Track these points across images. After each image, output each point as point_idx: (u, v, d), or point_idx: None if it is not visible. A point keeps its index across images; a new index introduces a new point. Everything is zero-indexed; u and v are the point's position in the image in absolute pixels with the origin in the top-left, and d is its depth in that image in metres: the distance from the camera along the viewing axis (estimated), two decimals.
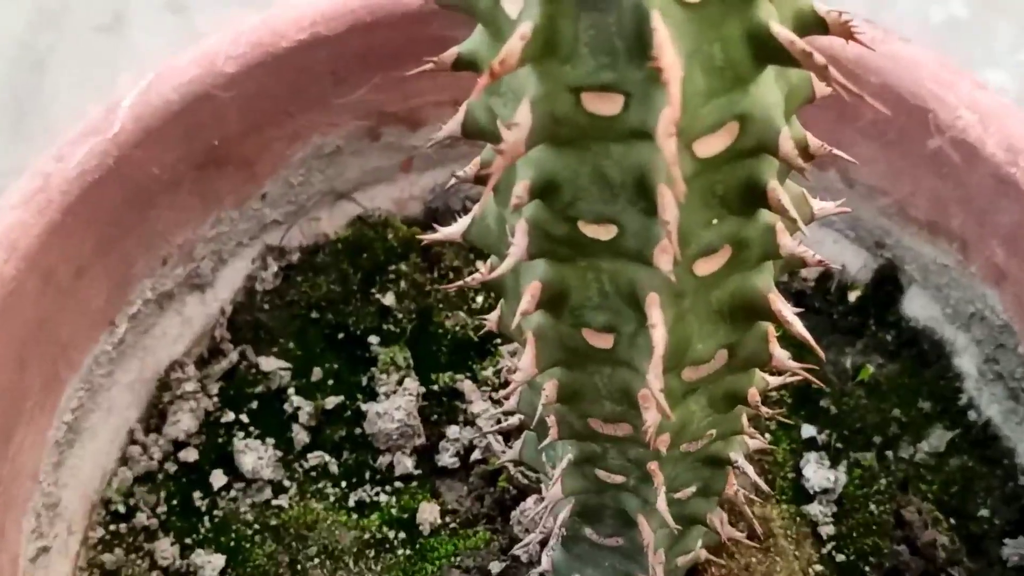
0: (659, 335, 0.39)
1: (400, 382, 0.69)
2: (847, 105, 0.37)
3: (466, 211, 0.49)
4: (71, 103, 0.94)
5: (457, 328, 0.70)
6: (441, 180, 0.68)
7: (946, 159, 0.57)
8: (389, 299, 0.71)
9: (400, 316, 0.70)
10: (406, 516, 0.66)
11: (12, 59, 0.95)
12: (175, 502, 0.67)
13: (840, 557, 0.63)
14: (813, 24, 0.39)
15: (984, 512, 0.64)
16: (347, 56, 0.61)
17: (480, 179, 0.42)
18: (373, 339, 0.71)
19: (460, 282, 0.48)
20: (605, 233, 0.40)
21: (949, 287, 0.62)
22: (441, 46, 0.46)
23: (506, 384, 0.62)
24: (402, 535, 0.65)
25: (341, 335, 0.71)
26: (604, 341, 0.43)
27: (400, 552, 0.64)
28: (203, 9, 0.95)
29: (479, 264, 0.50)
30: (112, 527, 0.65)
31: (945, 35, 0.93)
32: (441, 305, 0.70)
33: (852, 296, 0.67)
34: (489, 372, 0.70)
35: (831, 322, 0.68)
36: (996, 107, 0.57)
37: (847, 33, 0.39)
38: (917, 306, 0.64)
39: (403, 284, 0.70)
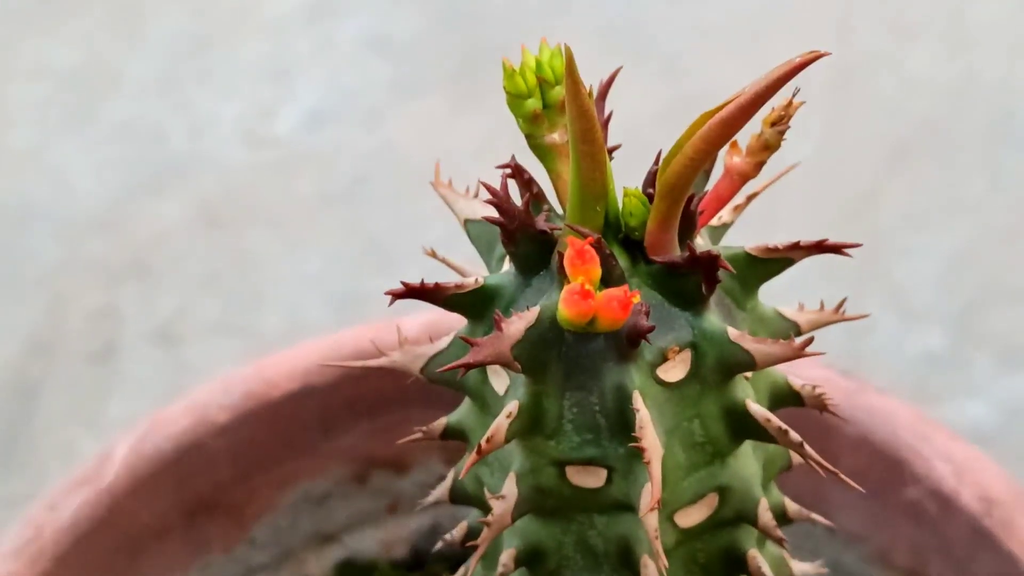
0: None
1: None
2: (826, 454, 0.38)
3: (452, 562, 0.49)
4: (62, 432, 0.94)
5: None
6: (427, 524, 0.68)
7: (923, 509, 0.58)
8: None
9: None
10: None
11: (4, 386, 0.96)
12: None
13: None
14: (788, 398, 0.40)
15: None
16: (337, 405, 0.62)
17: (468, 544, 0.43)
18: None
19: None
20: None
21: None
22: (428, 397, 0.47)
23: None
24: None
25: None
26: None
27: None
28: (193, 342, 0.97)
29: None
30: None
31: (922, 367, 0.95)
32: None
33: None
34: None
35: None
36: (970, 458, 0.58)
37: (821, 405, 0.40)
38: None
39: None
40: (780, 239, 0.38)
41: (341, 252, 1.02)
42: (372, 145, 1.08)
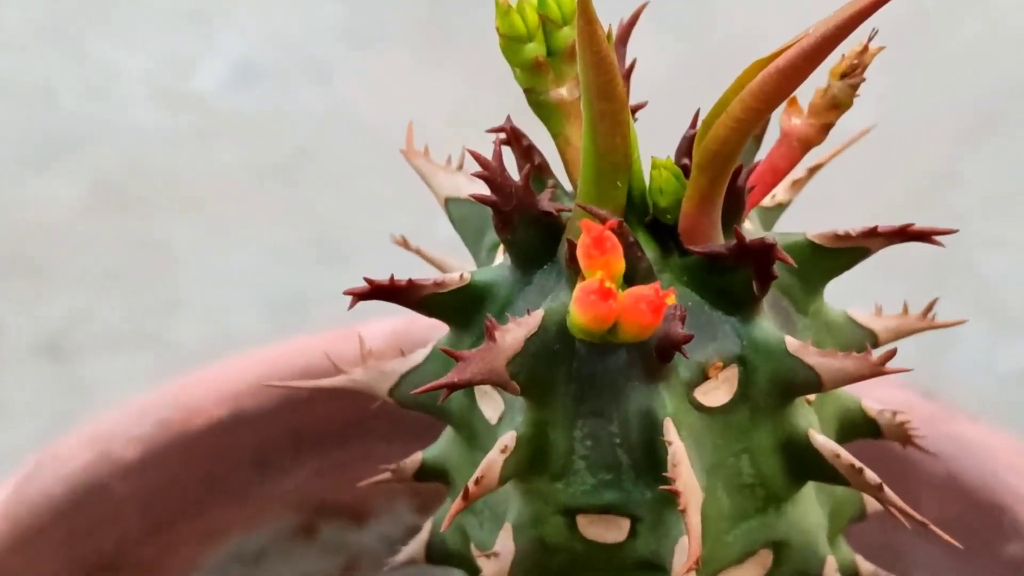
0: None
1: None
2: (905, 498, 0.38)
3: None
4: None
5: None
6: None
7: None
8: None
9: None
10: None
11: None
12: None
13: None
14: (862, 427, 0.40)
15: None
16: (276, 436, 0.62)
17: None
18: None
19: None
20: None
21: None
22: (396, 424, 0.46)
23: None
24: None
25: None
26: None
27: None
28: (91, 356, 0.96)
29: None
30: None
31: (1019, 387, 0.94)
32: None
33: None
34: None
35: None
36: None
37: (904, 437, 0.40)
38: None
39: None
40: (845, 225, 0.38)
41: (280, 242, 1.01)
42: (319, 108, 1.08)
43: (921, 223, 0.37)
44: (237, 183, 1.04)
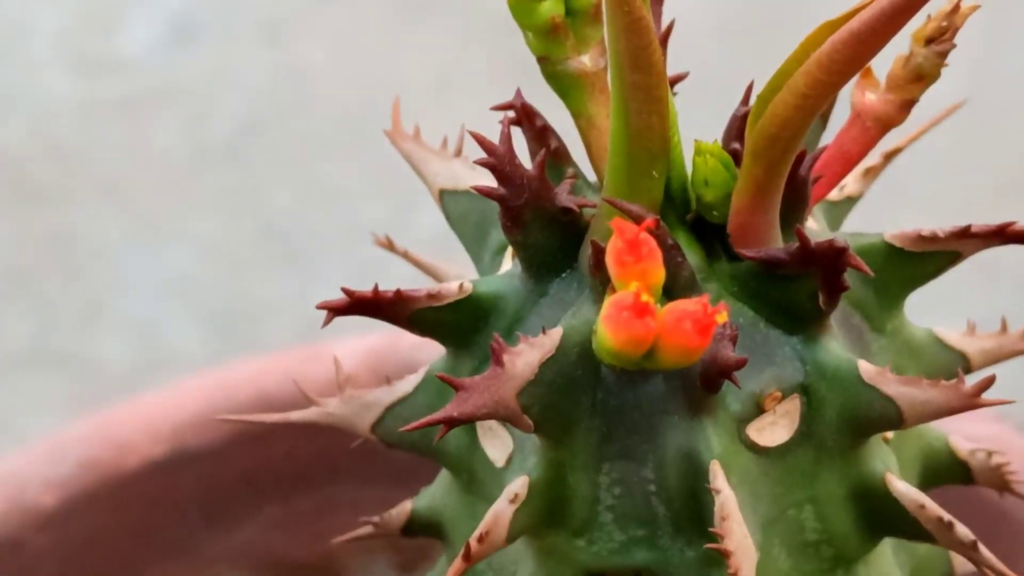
0: None
1: None
2: (1002, 556, 0.38)
3: None
4: None
5: None
6: None
7: None
8: None
9: None
10: None
11: None
12: None
13: None
14: (950, 471, 0.40)
15: None
16: (227, 479, 0.61)
17: None
18: None
19: None
20: None
21: None
22: (372, 466, 0.46)
23: None
24: None
25: None
26: None
27: None
28: (27, 370, 0.96)
29: None
30: None
31: None
32: None
33: None
34: None
35: None
36: None
37: (1001, 483, 0.40)
38: None
39: None
40: (930, 224, 0.38)
41: (222, 238, 1.01)
42: (268, 73, 1.08)
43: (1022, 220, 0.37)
44: (170, 165, 1.04)
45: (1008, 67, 1.03)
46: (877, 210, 0.43)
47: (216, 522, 0.62)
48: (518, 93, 0.38)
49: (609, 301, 0.32)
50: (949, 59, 0.37)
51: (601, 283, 0.33)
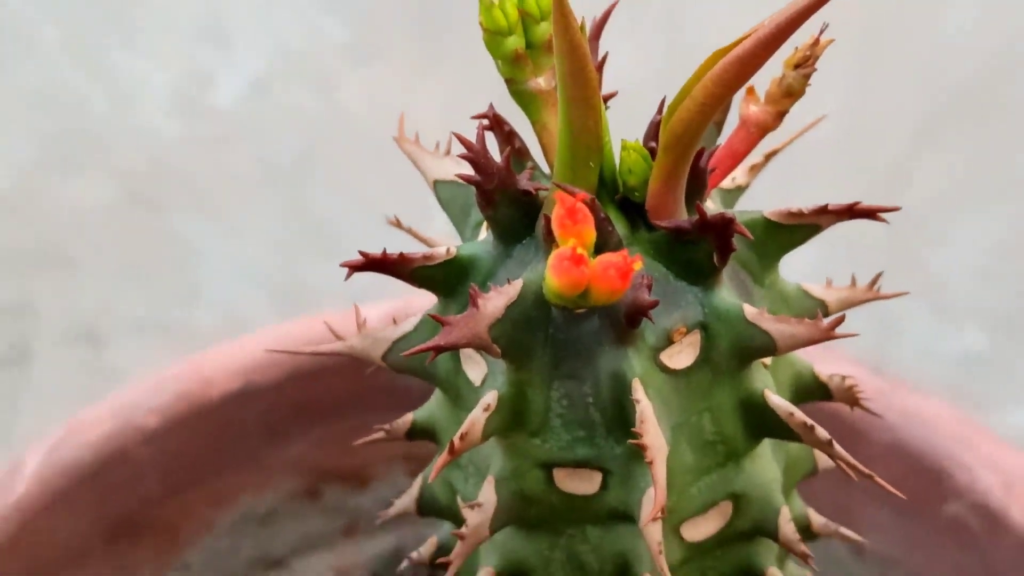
0: None
1: None
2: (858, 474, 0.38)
3: None
4: None
5: None
6: (390, 547, 0.67)
7: (965, 527, 0.57)
8: None
9: None
10: None
11: None
12: None
13: None
14: (814, 390, 0.39)
15: None
16: (284, 407, 0.61)
17: (438, 564, 0.41)
18: None
19: None
20: None
21: None
22: (392, 397, 0.46)
23: None
24: None
25: None
26: None
27: None
28: (118, 342, 0.96)
29: None
30: None
31: (961, 370, 0.94)
32: None
33: None
34: None
35: None
36: (1021, 468, 0.57)
37: (852, 400, 0.39)
38: None
39: None
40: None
41: (285, 237, 1.01)
42: (322, 116, 1.07)
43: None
44: (249, 184, 1.04)
45: (875, 97, 1.02)
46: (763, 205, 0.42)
47: (275, 440, 0.62)
48: (491, 107, 0.37)
49: (554, 254, 0.31)
50: (824, 90, 0.37)
51: (550, 245, 0.33)
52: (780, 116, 0.37)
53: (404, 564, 0.44)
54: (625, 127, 0.39)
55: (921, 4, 1.10)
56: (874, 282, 0.39)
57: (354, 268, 0.36)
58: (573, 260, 0.31)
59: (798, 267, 0.40)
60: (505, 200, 0.36)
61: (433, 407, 0.40)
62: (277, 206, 1.03)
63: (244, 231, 1.02)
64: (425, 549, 0.43)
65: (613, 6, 0.38)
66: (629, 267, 0.31)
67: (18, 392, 0.96)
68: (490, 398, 0.35)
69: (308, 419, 0.62)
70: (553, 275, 0.31)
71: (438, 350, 0.33)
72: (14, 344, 0.98)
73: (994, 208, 1.01)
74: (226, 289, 0.99)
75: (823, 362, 0.41)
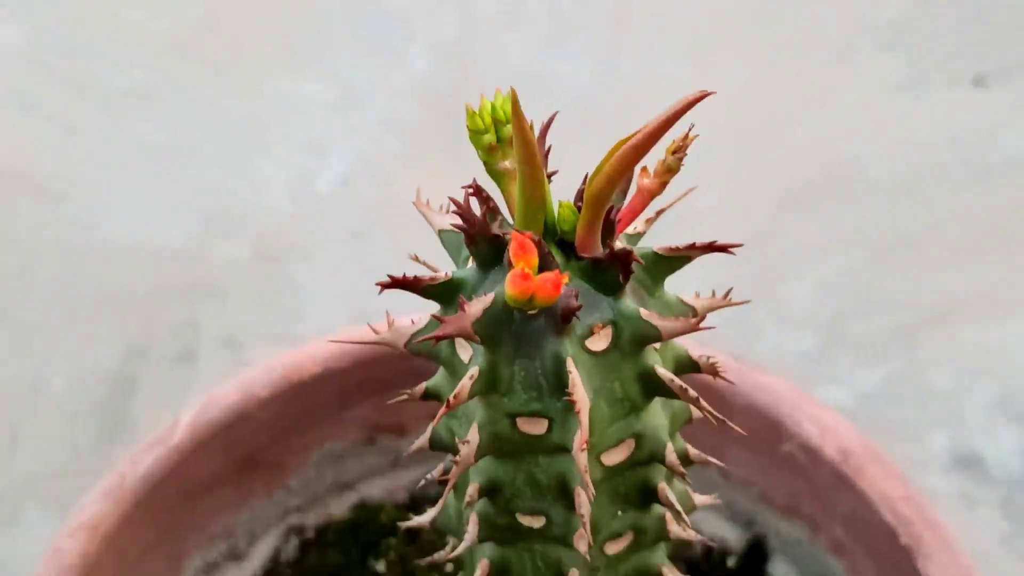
0: None
1: None
2: (721, 422, 0.37)
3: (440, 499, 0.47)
4: (152, 416, 0.92)
5: None
6: (421, 475, 0.66)
7: (795, 459, 0.56)
8: (381, 567, 0.67)
9: None
10: None
11: (109, 383, 0.94)
12: None
13: None
14: (688, 365, 0.39)
15: None
16: (351, 384, 0.60)
17: (443, 480, 0.41)
18: None
19: (433, 556, 0.46)
20: (536, 523, 0.38)
21: (803, 556, 0.60)
22: (419, 377, 0.45)
23: None
24: None
25: None
26: None
27: None
28: (251, 347, 0.95)
29: (449, 540, 0.48)
30: None
31: (798, 363, 0.93)
32: (422, 573, 0.67)
33: (730, 562, 0.64)
34: None
35: None
36: (832, 421, 0.56)
37: (714, 371, 0.38)
38: (780, 571, 0.62)
39: (392, 555, 0.67)
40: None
41: (358, 279, 1.00)
42: (383, 200, 1.07)
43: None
44: (336, 244, 1.04)
45: (750, 176, 1.02)
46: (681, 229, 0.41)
47: (345, 405, 0.61)
48: (474, 180, 0.37)
49: (510, 273, 0.31)
50: (708, 169, 0.36)
51: (511, 268, 0.32)
52: (663, 186, 0.36)
53: (424, 480, 0.43)
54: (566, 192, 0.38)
55: (776, 120, 1.09)
56: (726, 295, 0.38)
57: (386, 286, 0.35)
58: (523, 276, 0.31)
59: (686, 289, 0.39)
60: (483, 241, 0.35)
61: (438, 378, 0.39)
62: (354, 258, 1.02)
63: (333, 276, 1.01)
64: (436, 472, 0.42)
65: (553, 116, 0.37)
66: (559, 281, 0.31)
67: (187, 379, 0.95)
68: (474, 371, 0.35)
69: (366, 392, 0.61)
70: (509, 286, 0.31)
71: (438, 338, 0.33)
72: (185, 348, 0.97)
73: (826, 258, 1.00)
74: (320, 313, 0.98)
75: (699, 351, 0.40)
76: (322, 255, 1.03)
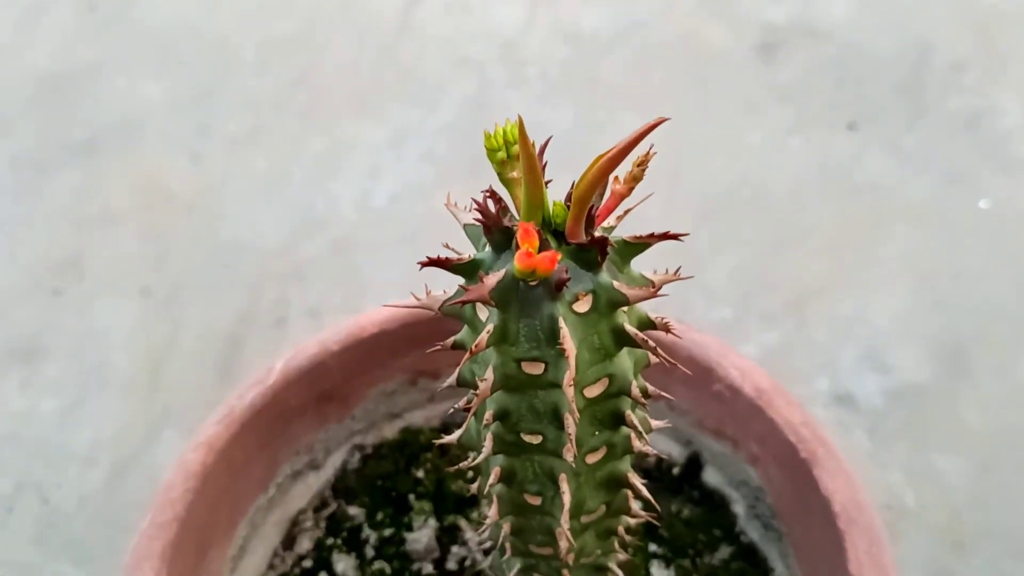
0: (567, 498, 0.36)
1: (426, 521, 0.64)
2: (670, 367, 0.35)
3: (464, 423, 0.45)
4: (256, 364, 0.90)
5: (459, 490, 0.66)
6: (449, 407, 0.65)
7: (723, 395, 0.55)
8: (421, 473, 0.66)
9: (427, 483, 0.66)
10: None
11: (223, 340, 0.93)
12: None
13: None
14: (648, 324, 0.37)
15: None
16: (400, 340, 0.59)
17: (467, 408, 0.39)
18: (412, 496, 0.66)
19: (459, 465, 0.44)
20: (535, 440, 0.37)
21: (728, 466, 0.59)
22: (449, 334, 0.43)
23: (484, 521, 0.57)
24: None
25: (394, 493, 0.67)
26: (536, 500, 0.40)
27: None
28: (329, 316, 0.94)
29: (470, 454, 0.47)
30: None
31: (720, 327, 0.92)
32: (450, 477, 0.66)
33: (675, 471, 0.63)
34: (476, 515, 0.65)
35: (663, 486, 0.64)
36: (749, 368, 0.55)
37: (666, 328, 0.37)
38: (711, 477, 0.60)
39: (428, 465, 0.66)
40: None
41: (405, 268, 0.98)
42: (425, 213, 1.05)
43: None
44: (389, 244, 1.02)
45: (676, 201, 1.00)
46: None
47: (395, 356, 0.60)
48: (490, 186, 0.35)
49: (517, 252, 0.29)
50: (654, 195, 0.34)
51: (517, 250, 0.31)
52: (630, 190, 0.34)
53: (452, 409, 0.42)
54: (558, 192, 0.36)
55: (702, 153, 1.07)
56: (676, 272, 0.36)
57: (424, 264, 0.34)
58: (527, 255, 0.29)
59: (645, 269, 0.38)
60: (497, 231, 0.33)
61: (463, 333, 0.38)
62: (402, 253, 1.00)
63: (387, 266, 0.99)
64: (462, 402, 0.41)
65: (548, 140, 0.36)
66: (555, 258, 0.29)
67: (281, 339, 0.93)
68: (490, 327, 0.33)
69: (412, 345, 0.60)
70: (517, 262, 0.29)
71: (463, 303, 0.31)
72: (279, 316, 0.95)
73: (737, 252, 0.98)
74: (377, 292, 0.97)
75: (656, 314, 0.38)
76: (378, 251, 1.01)
